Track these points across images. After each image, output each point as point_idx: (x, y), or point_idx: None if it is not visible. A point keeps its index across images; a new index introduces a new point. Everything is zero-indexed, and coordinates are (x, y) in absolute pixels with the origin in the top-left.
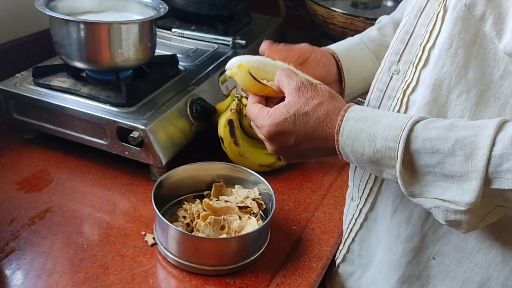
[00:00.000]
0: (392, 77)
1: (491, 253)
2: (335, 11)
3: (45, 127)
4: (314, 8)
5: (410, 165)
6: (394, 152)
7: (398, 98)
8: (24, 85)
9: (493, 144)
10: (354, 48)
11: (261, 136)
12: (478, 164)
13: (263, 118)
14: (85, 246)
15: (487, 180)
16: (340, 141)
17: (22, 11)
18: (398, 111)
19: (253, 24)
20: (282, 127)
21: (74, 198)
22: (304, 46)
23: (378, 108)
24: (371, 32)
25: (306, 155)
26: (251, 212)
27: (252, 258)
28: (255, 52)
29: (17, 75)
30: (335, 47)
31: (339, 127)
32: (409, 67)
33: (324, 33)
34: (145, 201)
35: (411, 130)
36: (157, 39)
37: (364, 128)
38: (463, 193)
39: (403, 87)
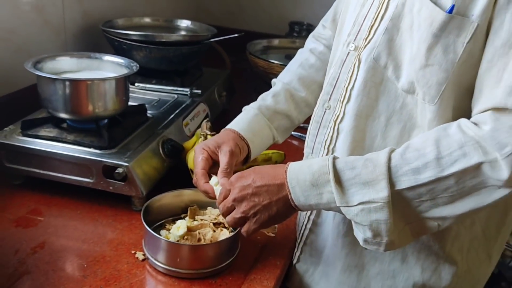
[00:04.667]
0: (325, 111)
1: None
2: (273, 62)
3: (35, 172)
4: (255, 61)
5: (339, 181)
6: (326, 168)
7: (330, 127)
8: (14, 136)
9: (389, 159)
10: (255, 122)
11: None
12: (382, 169)
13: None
14: (85, 265)
15: (391, 184)
16: (289, 175)
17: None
18: (331, 136)
19: (205, 76)
20: (243, 173)
21: (67, 230)
22: (230, 158)
23: (316, 135)
24: (267, 99)
25: (261, 194)
26: (224, 226)
27: (227, 261)
28: (210, 99)
29: (5, 129)
30: (241, 127)
31: (287, 167)
32: (337, 103)
33: (265, 82)
34: (130, 228)
35: (335, 158)
36: None
37: (303, 164)
38: (378, 192)
39: (334, 119)
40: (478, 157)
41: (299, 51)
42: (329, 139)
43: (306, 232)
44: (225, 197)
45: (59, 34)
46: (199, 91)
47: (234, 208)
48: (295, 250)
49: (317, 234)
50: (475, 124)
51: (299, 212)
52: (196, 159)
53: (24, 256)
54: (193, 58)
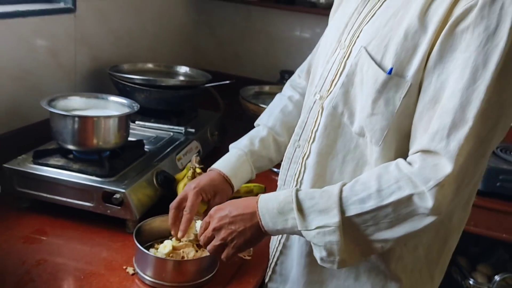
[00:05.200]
0: (295, 149)
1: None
2: (263, 107)
3: (42, 196)
4: (246, 104)
5: (301, 209)
6: (290, 198)
7: (299, 163)
8: (26, 164)
9: (340, 191)
10: (244, 171)
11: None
12: (335, 199)
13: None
14: (82, 277)
15: (342, 212)
16: (259, 205)
17: (13, 109)
18: (299, 170)
19: (199, 117)
20: (220, 206)
21: (68, 248)
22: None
23: (288, 169)
24: (256, 144)
25: (236, 223)
26: None
27: (207, 277)
28: (203, 137)
29: (18, 157)
30: (232, 174)
31: (258, 199)
32: (305, 143)
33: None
34: (123, 247)
35: (297, 190)
36: None
37: (272, 195)
38: (331, 218)
39: (302, 156)
40: (409, 189)
41: (279, 96)
42: (297, 172)
43: (277, 254)
44: (205, 229)
45: (70, 75)
46: (193, 130)
47: (214, 237)
48: (268, 270)
49: (286, 256)
50: (409, 163)
51: (272, 236)
52: (192, 200)
53: (29, 267)
54: (189, 100)
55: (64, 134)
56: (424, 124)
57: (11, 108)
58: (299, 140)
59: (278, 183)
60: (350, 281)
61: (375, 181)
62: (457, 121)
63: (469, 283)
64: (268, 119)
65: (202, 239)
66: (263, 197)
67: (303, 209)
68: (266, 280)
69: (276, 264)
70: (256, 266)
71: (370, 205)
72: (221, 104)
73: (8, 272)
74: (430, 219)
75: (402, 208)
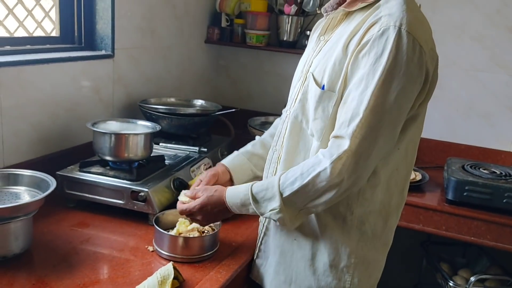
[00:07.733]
0: (274, 152)
1: (311, 225)
2: None
3: (85, 196)
4: (253, 131)
5: (256, 200)
6: (248, 195)
7: (275, 162)
8: (73, 172)
9: (279, 179)
10: (236, 159)
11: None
12: (276, 188)
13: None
14: (114, 252)
15: (281, 194)
16: (227, 201)
17: (65, 133)
18: (275, 168)
19: (212, 141)
20: (205, 201)
21: (104, 234)
22: (213, 176)
23: (269, 168)
24: (248, 146)
25: (213, 215)
26: (208, 233)
27: (209, 253)
28: (214, 156)
29: (68, 167)
30: (231, 164)
31: (225, 196)
32: (280, 147)
33: None
34: (146, 235)
35: (252, 185)
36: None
37: (235, 191)
38: (276, 202)
39: (277, 156)
40: (319, 168)
41: (277, 119)
42: (274, 170)
43: (262, 235)
44: (189, 210)
45: (108, 108)
46: (205, 149)
47: (194, 213)
48: (255, 249)
49: (269, 236)
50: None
51: (259, 221)
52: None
53: (74, 245)
54: (203, 126)
55: (103, 148)
56: (338, 119)
57: (63, 132)
58: (276, 145)
59: (263, 177)
60: (313, 250)
61: (300, 168)
62: (354, 115)
63: (450, 285)
64: (264, 134)
65: (185, 208)
66: (228, 194)
67: (257, 200)
68: (255, 257)
69: (261, 243)
70: (247, 248)
71: (297, 185)
72: (231, 130)
73: (59, 248)
74: (336, 187)
75: (318, 183)
